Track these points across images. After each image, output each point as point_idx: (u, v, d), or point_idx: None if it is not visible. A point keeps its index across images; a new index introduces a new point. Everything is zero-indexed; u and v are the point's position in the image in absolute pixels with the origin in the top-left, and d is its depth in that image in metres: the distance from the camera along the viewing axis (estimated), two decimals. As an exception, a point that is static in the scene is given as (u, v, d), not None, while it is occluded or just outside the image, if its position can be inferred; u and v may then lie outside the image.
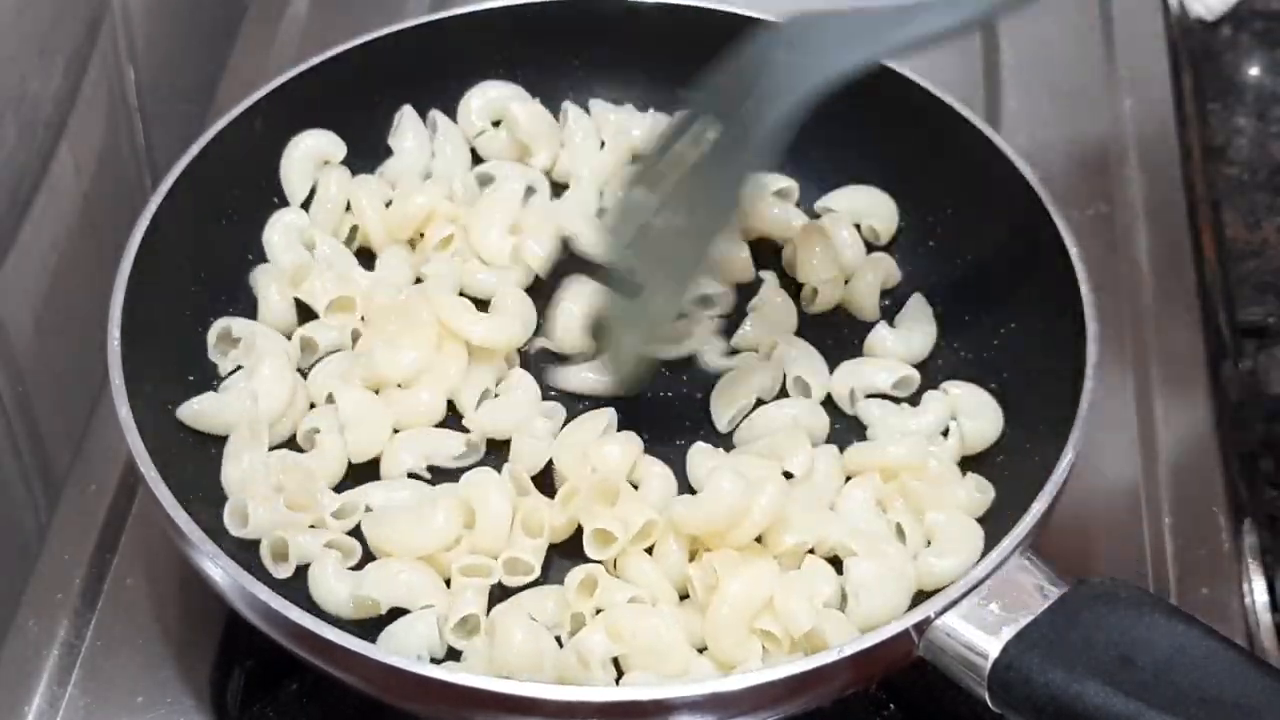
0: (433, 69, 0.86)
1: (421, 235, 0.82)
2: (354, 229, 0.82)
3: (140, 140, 0.93)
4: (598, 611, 0.68)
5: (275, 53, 1.00)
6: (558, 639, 0.68)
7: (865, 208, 0.85)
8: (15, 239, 0.77)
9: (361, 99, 0.84)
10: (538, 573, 0.70)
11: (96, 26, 0.85)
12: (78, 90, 0.83)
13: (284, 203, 0.82)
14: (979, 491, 0.72)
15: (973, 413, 0.76)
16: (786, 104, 0.70)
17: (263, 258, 0.81)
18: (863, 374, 0.78)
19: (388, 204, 0.82)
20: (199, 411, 0.73)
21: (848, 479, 0.74)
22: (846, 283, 0.82)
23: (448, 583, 0.69)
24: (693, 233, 0.74)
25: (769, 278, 0.82)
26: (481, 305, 0.79)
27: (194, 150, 0.77)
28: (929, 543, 0.71)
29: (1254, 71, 1.06)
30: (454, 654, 0.68)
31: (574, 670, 0.65)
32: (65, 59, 0.81)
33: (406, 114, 0.85)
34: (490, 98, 0.86)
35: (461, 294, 0.80)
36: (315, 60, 0.82)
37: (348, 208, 0.82)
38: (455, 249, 0.81)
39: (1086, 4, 1.05)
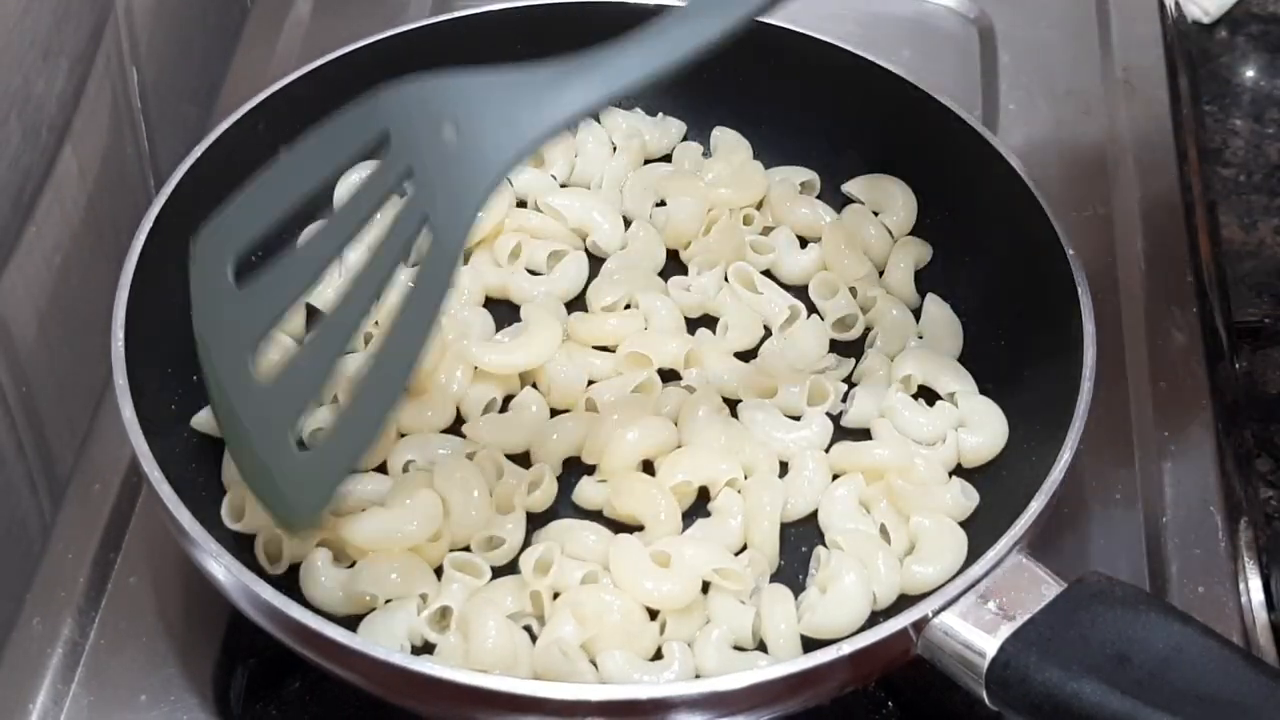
0: (435, 71, 0.86)
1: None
2: None
3: (144, 142, 0.93)
4: (555, 595, 0.69)
5: (278, 55, 1.00)
6: (526, 629, 0.69)
7: (885, 197, 0.85)
8: (19, 240, 0.78)
9: (363, 101, 0.85)
10: (517, 549, 0.71)
11: (100, 28, 0.85)
12: (81, 92, 0.83)
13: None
14: (964, 497, 0.73)
15: (978, 426, 0.76)
16: (476, 206, 0.61)
17: (265, 259, 0.81)
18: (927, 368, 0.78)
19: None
20: (210, 419, 0.73)
21: (835, 477, 0.75)
22: (881, 274, 0.83)
23: (438, 572, 0.70)
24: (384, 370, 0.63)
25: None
26: (516, 310, 0.80)
27: (197, 152, 0.77)
28: (912, 547, 0.72)
29: (1250, 73, 1.07)
30: (430, 646, 0.69)
31: (557, 663, 0.66)
32: (69, 61, 0.81)
33: None
34: None
35: (500, 299, 0.81)
36: (318, 63, 0.82)
37: None
38: (523, 257, 0.82)
39: (1083, 6, 1.06)
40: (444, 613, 0.69)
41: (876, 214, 0.84)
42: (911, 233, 0.84)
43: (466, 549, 0.71)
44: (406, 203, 0.63)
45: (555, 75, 0.62)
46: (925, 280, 0.83)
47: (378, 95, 0.65)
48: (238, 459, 0.66)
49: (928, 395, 0.78)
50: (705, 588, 0.70)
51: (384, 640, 0.67)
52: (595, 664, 0.67)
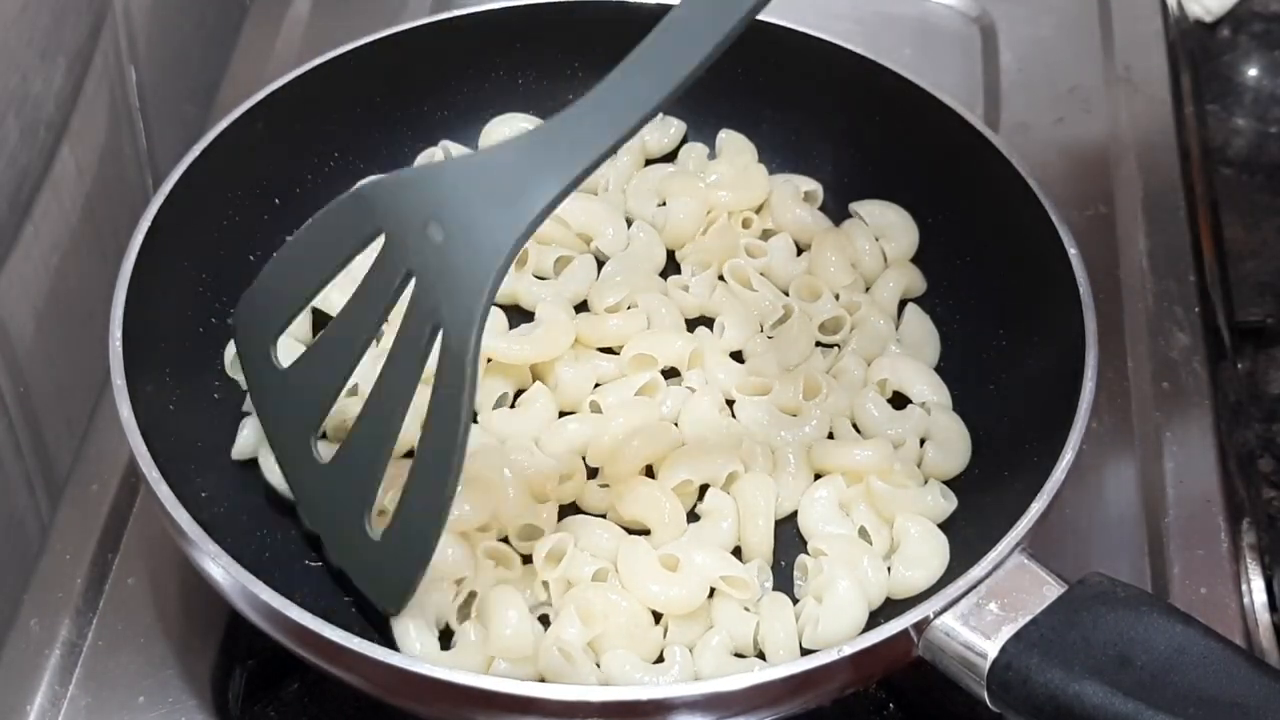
0: (434, 70, 0.86)
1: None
2: None
3: (142, 141, 0.93)
4: (568, 588, 0.69)
5: (277, 54, 1.00)
6: (543, 619, 0.69)
7: (889, 225, 0.84)
8: (17, 239, 0.78)
9: (363, 100, 0.84)
10: (549, 533, 0.71)
11: (98, 27, 0.85)
12: (80, 91, 0.83)
13: (285, 204, 0.82)
14: (944, 499, 0.73)
15: (943, 444, 0.76)
16: (478, 308, 0.59)
17: (265, 259, 0.81)
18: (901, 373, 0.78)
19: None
20: (248, 439, 0.74)
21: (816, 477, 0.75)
22: (866, 290, 0.83)
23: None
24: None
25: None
26: (527, 314, 0.80)
27: (196, 151, 0.77)
28: (893, 549, 0.72)
29: (1253, 72, 1.06)
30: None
31: (558, 664, 0.66)
32: (67, 59, 0.81)
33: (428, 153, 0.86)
34: (513, 128, 0.87)
35: (509, 305, 0.81)
36: (317, 61, 0.82)
37: None
38: (530, 263, 0.82)
39: (1085, 4, 1.06)
40: (470, 599, 0.69)
41: (878, 239, 0.84)
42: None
43: (504, 540, 0.72)
44: (409, 308, 0.62)
45: (537, 148, 0.59)
46: (928, 279, 0.83)
47: (364, 193, 0.65)
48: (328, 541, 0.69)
49: (897, 402, 0.78)
50: (709, 592, 0.70)
51: (412, 623, 0.67)
52: (598, 664, 0.67)
